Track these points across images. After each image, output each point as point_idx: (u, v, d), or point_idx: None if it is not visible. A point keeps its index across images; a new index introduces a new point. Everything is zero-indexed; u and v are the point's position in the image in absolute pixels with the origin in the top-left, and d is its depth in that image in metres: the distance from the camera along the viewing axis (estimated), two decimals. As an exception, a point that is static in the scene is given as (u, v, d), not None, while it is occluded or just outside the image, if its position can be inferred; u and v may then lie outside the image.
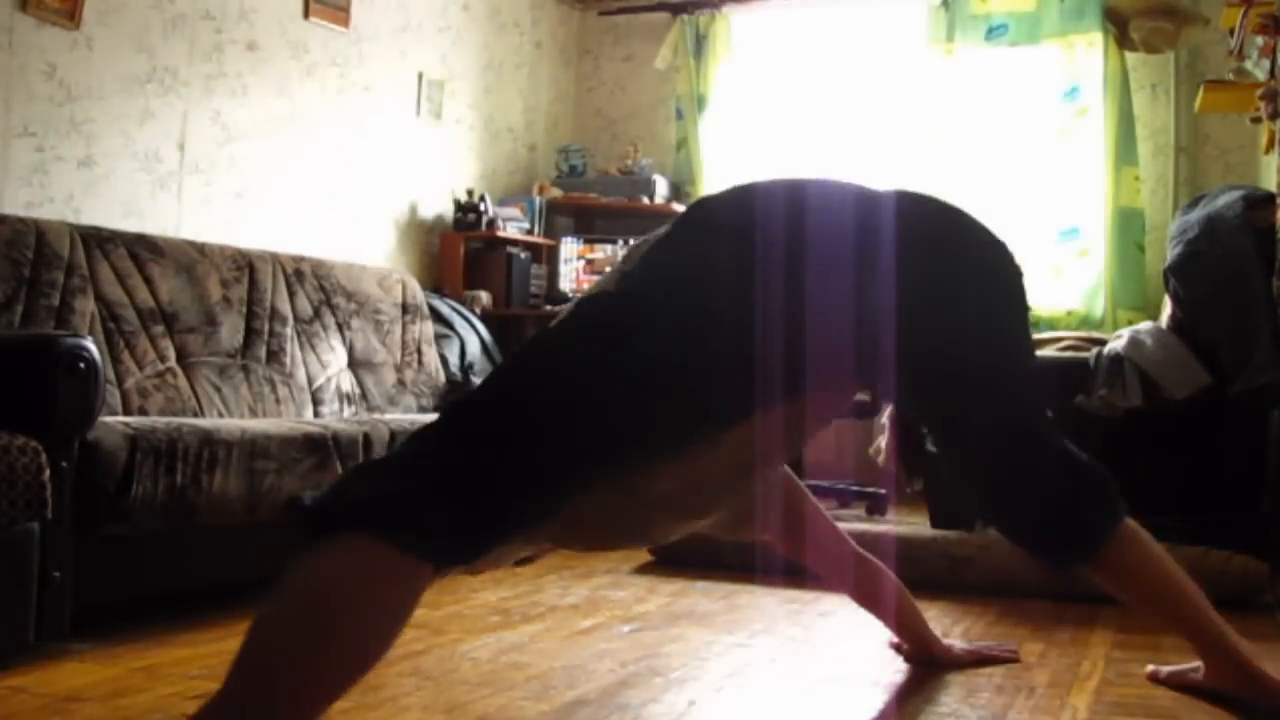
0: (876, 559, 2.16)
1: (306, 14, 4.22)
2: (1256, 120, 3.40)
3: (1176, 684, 1.96)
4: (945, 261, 1.66)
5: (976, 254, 1.71)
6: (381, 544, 1.25)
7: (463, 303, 4.72)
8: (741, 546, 2.44)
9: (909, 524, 3.47)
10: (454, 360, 4.24)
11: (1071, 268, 4.81)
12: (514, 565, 2.20)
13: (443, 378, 4.04)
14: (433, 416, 3.24)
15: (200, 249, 3.29)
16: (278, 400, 3.30)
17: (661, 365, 1.44)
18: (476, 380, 4.21)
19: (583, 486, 1.43)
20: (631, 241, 5.19)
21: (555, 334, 1.54)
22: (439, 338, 4.18)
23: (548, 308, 5.19)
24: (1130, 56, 4.79)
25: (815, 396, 1.64)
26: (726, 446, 1.58)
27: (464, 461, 1.35)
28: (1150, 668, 2.05)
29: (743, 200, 1.65)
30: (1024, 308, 1.81)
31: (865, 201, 1.65)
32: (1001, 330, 1.73)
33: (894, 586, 2.13)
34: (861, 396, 4.14)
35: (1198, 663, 1.92)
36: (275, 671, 1.22)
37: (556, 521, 1.45)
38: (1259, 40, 3.21)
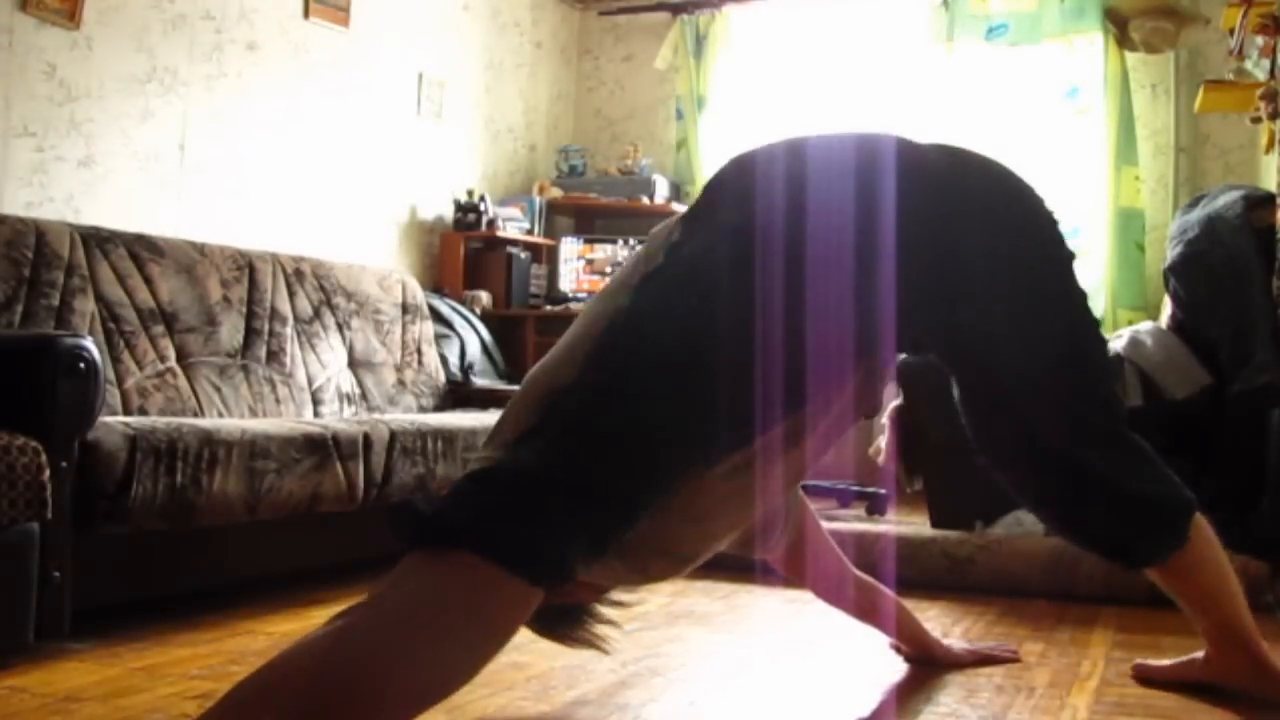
0: (874, 579, 2.14)
1: (306, 14, 4.22)
2: (1256, 120, 3.40)
3: (1171, 678, 1.95)
4: (955, 232, 1.56)
5: (985, 211, 1.61)
6: (488, 563, 1.25)
7: (463, 303, 4.72)
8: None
9: (909, 524, 3.47)
10: (454, 360, 4.24)
11: (1071, 267, 4.81)
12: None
13: (443, 378, 4.04)
14: (433, 416, 3.24)
15: (200, 249, 3.29)
16: (278, 400, 3.30)
17: (666, 398, 1.41)
18: (476, 380, 4.21)
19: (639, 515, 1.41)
20: (632, 242, 5.23)
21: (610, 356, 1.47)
22: (439, 338, 4.18)
23: (548, 308, 5.19)
24: (1130, 56, 4.79)
25: (814, 410, 1.60)
26: (724, 476, 1.56)
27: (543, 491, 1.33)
28: (1137, 662, 2.05)
29: (744, 193, 1.57)
30: (1064, 259, 1.68)
31: (865, 176, 1.55)
32: (1039, 296, 1.63)
33: (892, 601, 2.12)
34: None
35: (1194, 655, 1.92)
36: (367, 676, 1.19)
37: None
38: (1259, 40, 3.21)
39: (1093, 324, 1.72)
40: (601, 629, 1.80)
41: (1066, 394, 1.65)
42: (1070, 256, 1.70)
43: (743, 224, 1.51)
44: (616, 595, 1.80)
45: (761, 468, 1.59)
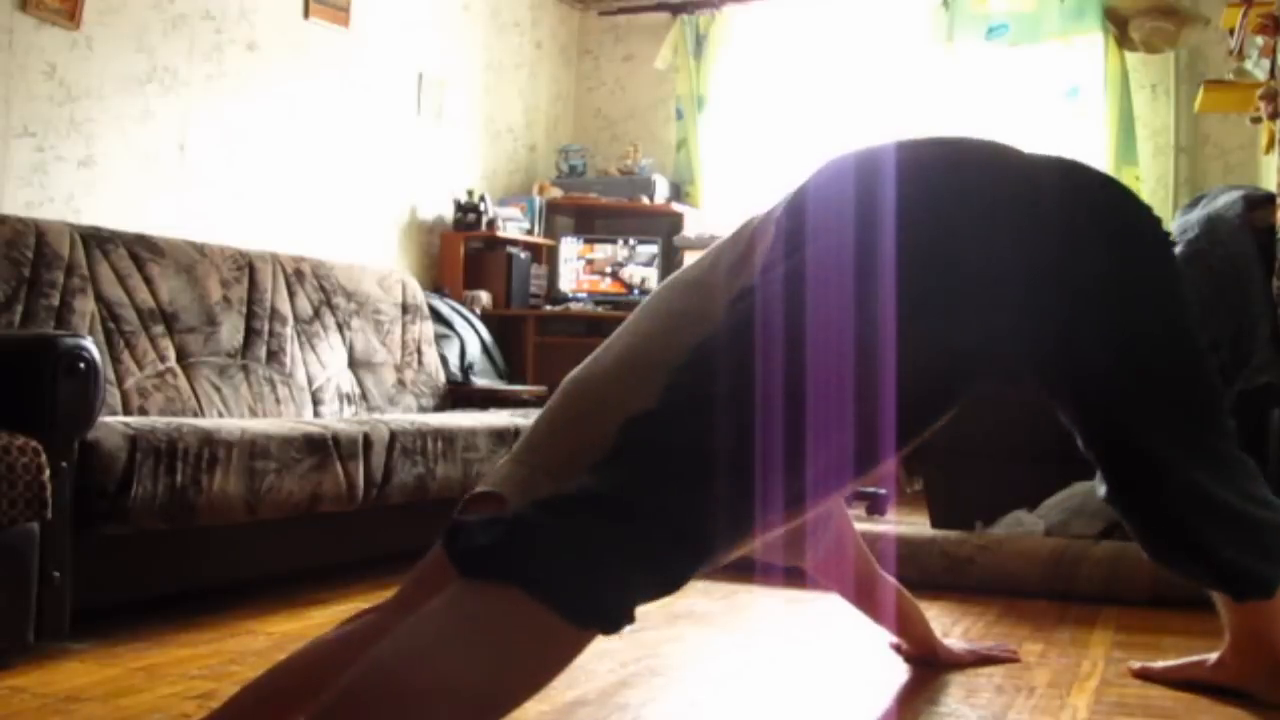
0: (885, 573, 2.11)
1: (306, 14, 4.22)
2: (1256, 120, 3.40)
3: (1174, 679, 1.95)
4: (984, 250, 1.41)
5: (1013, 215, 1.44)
6: (547, 610, 1.17)
7: (463, 303, 4.72)
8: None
9: (909, 524, 3.47)
10: (454, 360, 4.24)
11: (1072, 268, 4.80)
12: None
13: (443, 378, 4.04)
14: (433, 416, 3.24)
15: (200, 249, 3.29)
16: (278, 400, 3.30)
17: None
18: (476, 380, 4.21)
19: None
20: (632, 243, 5.24)
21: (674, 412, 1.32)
22: (439, 338, 4.18)
23: (548, 308, 5.19)
24: (1130, 56, 4.79)
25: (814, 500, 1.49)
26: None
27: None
28: (1135, 664, 2.05)
29: (744, 256, 1.44)
30: (1159, 260, 1.57)
31: (865, 226, 1.38)
32: (1124, 309, 1.51)
33: (894, 590, 2.11)
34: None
35: (1202, 656, 1.92)
36: (393, 711, 1.13)
37: None
38: (1259, 40, 3.21)
39: (1190, 333, 1.62)
40: None
41: (1171, 410, 1.58)
42: (1161, 260, 1.58)
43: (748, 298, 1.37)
44: None
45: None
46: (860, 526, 3.29)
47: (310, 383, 3.46)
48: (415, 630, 1.20)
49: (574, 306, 5.23)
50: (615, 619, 1.20)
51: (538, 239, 5.31)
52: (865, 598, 2.09)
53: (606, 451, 1.27)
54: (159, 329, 3.04)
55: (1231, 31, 3.38)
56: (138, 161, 3.60)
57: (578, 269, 5.35)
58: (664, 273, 5.13)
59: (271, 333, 3.39)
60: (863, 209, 1.38)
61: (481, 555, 1.20)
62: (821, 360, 1.30)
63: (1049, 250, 1.44)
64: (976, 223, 1.40)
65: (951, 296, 1.37)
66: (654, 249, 5.31)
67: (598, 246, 5.38)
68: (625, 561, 1.21)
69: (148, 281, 3.07)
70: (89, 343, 2.16)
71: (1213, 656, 1.90)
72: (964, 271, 1.38)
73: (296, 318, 3.50)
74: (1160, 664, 2.01)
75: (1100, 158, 4.77)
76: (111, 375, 2.84)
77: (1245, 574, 1.66)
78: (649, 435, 1.28)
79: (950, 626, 2.46)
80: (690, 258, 3.89)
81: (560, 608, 1.16)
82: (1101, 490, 1.68)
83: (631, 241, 5.33)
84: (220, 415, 3.05)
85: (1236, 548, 1.63)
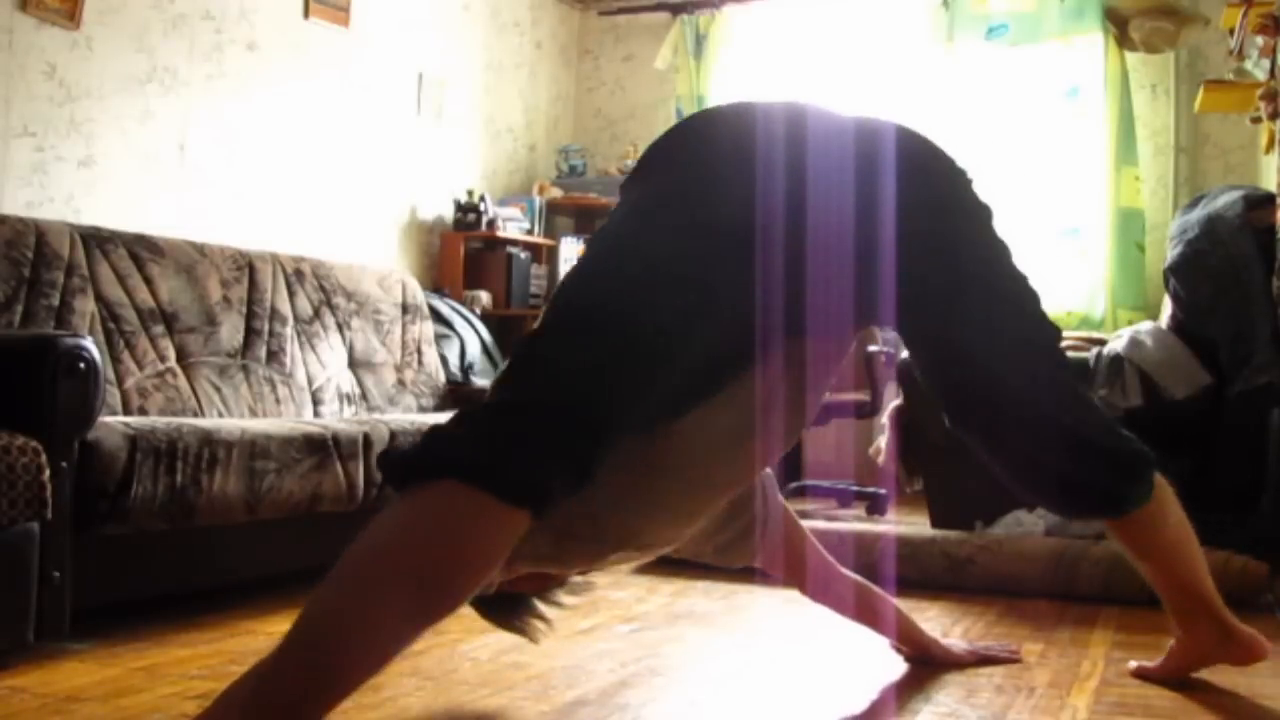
0: (869, 582, 2.14)
1: (306, 14, 4.22)
2: (1256, 120, 3.40)
3: (1161, 675, 1.98)
4: (941, 198, 1.67)
5: (963, 186, 1.73)
6: (472, 488, 1.28)
7: (463, 303, 4.72)
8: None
9: (909, 524, 3.47)
10: (454, 360, 4.24)
11: (1072, 268, 4.81)
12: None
13: (443, 378, 4.04)
14: (433, 417, 3.24)
15: (200, 249, 3.29)
16: (278, 400, 3.30)
17: (669, 318, 1.46)
18: (476, 380, 4.21)
19: (617, 436, 1.45)
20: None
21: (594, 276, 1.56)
22: (439, 338, 4.18)
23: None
24: (1130, 56, 4.79)
25: (814, 345, 1.65)
26: (728, 401, 1.58)
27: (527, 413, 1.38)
28: (1133, 664, 2.05)
29: (744, 126, 1.67)
30: (991, 217, 1.79)
31: (865, 131, 1.69)
32: (1005, 270, 1.74)
33: (892, 606, 2.12)
34: (861, 396, 4.15)
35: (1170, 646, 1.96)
36: (362, 605, 1.25)
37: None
38: (1259, 40, 3.21)
39: (1026, 278, 1.77)
40: (536, 622, 1.85)
41: (1036, 361, 1.73)
42: (991, 213, 1.77)
43: (744, 167, 1.61)
44: (560, 596, 1.85)
45: (761, 418, 1.60)
46: (860, 527, 3.31)
47: (310, 383, 3.46)
48: (350, 548, 1.30)
49: (574, 306, 5.22)
50: (539, 495, 1.32)
51: (538, 239, 5.31)
52: (826, 594, 2.12)
53: (504, 372, 1.46)
54: (159, 329, 3.04)
55: (1231, 31, 3.38)
56: (138, 161, 3.60)
57: (578, 269, 5.35)
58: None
59: (271, 333, 3.39)
60: (674, 159, 1.70)
61: (410, 462, 1.34)
62: (729, 244, 1.51)
63: (872, 187, 1.63)
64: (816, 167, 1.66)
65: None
66: (654, 249, 5.30)
67: (598, 246, 5.37)
68: (535, 446, 1.33)
69: (148, 281, 3.07)
70: (89, 343, 2.16)
71: (1174, 642, 1.96)
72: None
73: (296, 318, 3.50)
74: (1154, 664, 2.02)
75: (1100, 158, 4.77)
76: (111, 375, 2.84)
77: (1113, 495, 1.77)
78: (532, 346, 1.47)
79: (950, 626, 2.46)
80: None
81: (490, 486, 1.28)
82: (947, 421, 1.77)
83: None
84: (220, 415, 3.05)
85: (1105, 472, 1.75)
